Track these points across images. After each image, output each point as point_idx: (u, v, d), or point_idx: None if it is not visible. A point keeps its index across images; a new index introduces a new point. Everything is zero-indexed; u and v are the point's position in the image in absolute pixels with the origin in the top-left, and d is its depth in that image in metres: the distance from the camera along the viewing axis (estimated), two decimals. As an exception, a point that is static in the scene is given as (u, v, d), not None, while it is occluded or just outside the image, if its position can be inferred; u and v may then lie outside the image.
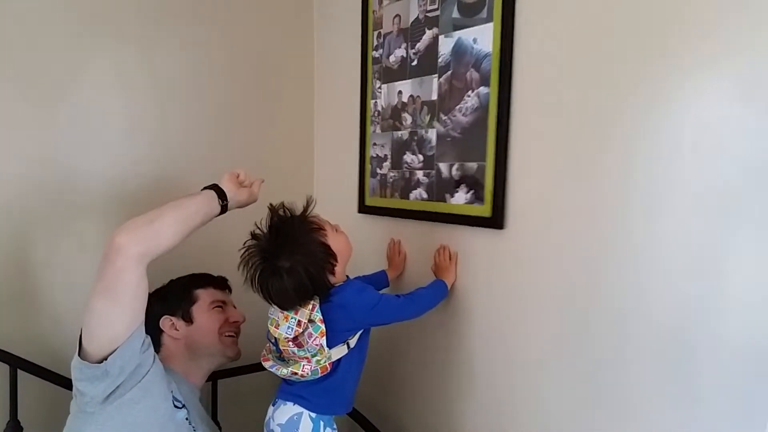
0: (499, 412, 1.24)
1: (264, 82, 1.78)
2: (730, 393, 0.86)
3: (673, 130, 0.91)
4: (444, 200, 1.33)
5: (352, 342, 1.18)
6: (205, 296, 1.37)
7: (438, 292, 1.28)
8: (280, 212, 1.12)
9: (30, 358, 1.39)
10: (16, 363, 1.36)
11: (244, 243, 1.13)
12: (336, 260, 1.14)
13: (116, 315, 1.03)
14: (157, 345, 1.27)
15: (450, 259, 1.32)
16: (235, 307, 1.43)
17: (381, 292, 1.40)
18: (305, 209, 1.15)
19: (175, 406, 1.16)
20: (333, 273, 1.14)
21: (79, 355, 1.05)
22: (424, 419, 1.47)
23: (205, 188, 1.22)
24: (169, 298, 1.33)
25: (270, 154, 1.80)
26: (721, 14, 0.84)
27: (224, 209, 1.21)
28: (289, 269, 1.08)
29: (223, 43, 1.69)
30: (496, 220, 1.19)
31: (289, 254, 1.08)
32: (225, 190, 1.21)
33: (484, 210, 1.22)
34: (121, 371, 1.04)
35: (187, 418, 1.18)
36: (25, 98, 1.42)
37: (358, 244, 1.57)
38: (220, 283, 1.42)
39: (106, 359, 1.02)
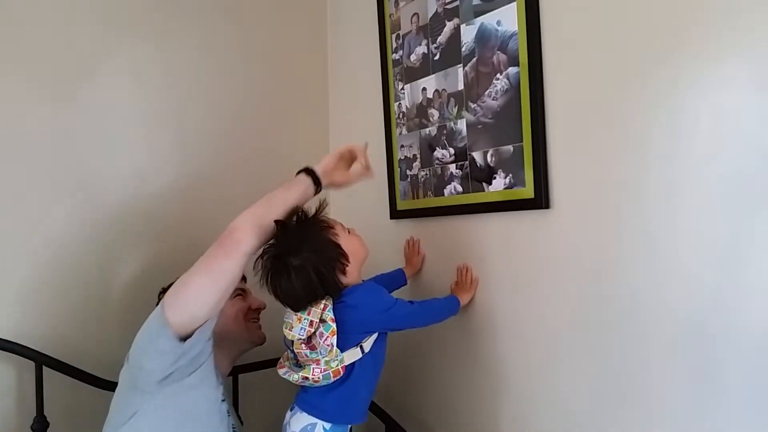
0: (523, 406, 1.22)
1: (279, 86, 1.80)
2: (752, 383, 0.85)
3: (690, 117, 0.90)
4: (481, 189, 1.29)
5: (367, 346, 1.16)
6: None
7: (451, 308, 1.27)
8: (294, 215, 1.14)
9: (54, 354, 1.39)
10: (42, 359, 1.37)
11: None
12: (347, 260, 1.13)
13: (210, 296, 1.05)
14: None
15: (471, 282, 1.31)
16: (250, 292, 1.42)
17: (398, 291, 1.42)
18: (317, 211, 1.15)
19: (221, 397, 1.17)
20: (344, 273, 1.13)
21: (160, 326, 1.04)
22: (446, 415, 1.44)
23: (302, 171, 1.21)
24: None
25: (286, 156, 1.77)
26: (739, 2, 0.84)
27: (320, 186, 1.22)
28: (298, 267, 1.07)
29: (237, 43, 1.71)
30: (540, 201, 1.15)
31: (298, 252, 1.08)
32: (320, 177, 1.20)
33: (526, 192, 1.18)
34: (187, 354, 1.05)
35: (227, 411, 1.20)
36: (43, 99, 1.42)
37: (394, 252, 1.56)
38: None
39: (183, 340, 1.03)
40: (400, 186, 1.57)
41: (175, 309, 1.03)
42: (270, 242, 1.12)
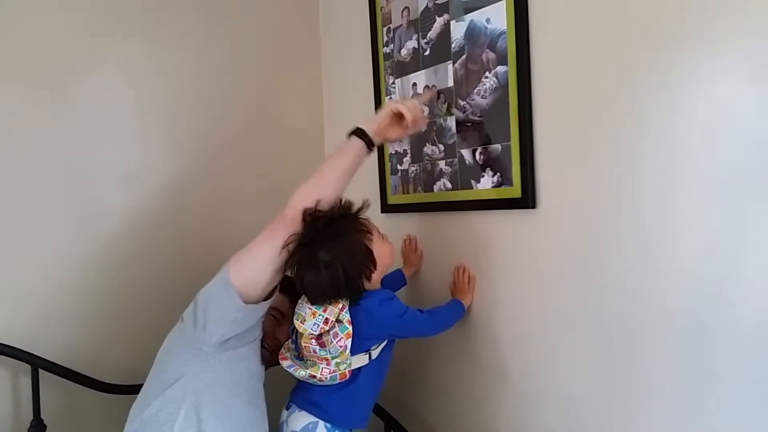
0: (522, 402, 1.23)
1: (272, 82, 1.79)
2: (747, 375, 0.85)
3: (684, 110, 0.89)
4: (470, 187, 1.30)
5: (375, 353, 1.17)
6: (276, 300, 1.23)
7: (457, 313, 1.27)
8: (336, 206, 1.13)
9: (50, 357, 1.39)
10: (38, 362, 1.37)
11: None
12: (375, 267, 1.13)
13: (269, 264, 1.08)
14: None
15: (468, 281, 1.30)
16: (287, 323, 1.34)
17: (398, 292, 1.38)
18: (359, 210, 1.15)
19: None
20: (369, 279, 1.13)
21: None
22: (445, 412, 1.45)
23: (354, 132, 1.17)
24: None
25: (280, 154, 1.80)
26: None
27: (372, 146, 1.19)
28: (327, 263, 1.06)
29: (229, 41, 1.70)
30: (527, 200, 1.15)
31: (331, 248, 1.07)
32: (371, 137, 1.17)
33: (513, 191, 1.18)
34: (245, 322, 1.10)
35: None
36: (37, 98, 1.41)
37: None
38: (298, 297, 1.25)
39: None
40: (390, 180, 1.57)
41: (238, 273, 1.07)
42: (304, 231, 1.11)
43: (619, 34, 0.99)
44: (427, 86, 1.40)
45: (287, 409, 1.22)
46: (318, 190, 1.11)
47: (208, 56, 1.67)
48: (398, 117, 1.18)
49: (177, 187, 1.61)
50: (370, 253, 1.12)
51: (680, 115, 0.90)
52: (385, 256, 1.17)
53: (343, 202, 1.15)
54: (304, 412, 1.18)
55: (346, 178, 1.15)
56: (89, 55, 1.48)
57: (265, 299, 1.12)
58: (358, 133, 1.17)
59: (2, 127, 1.38)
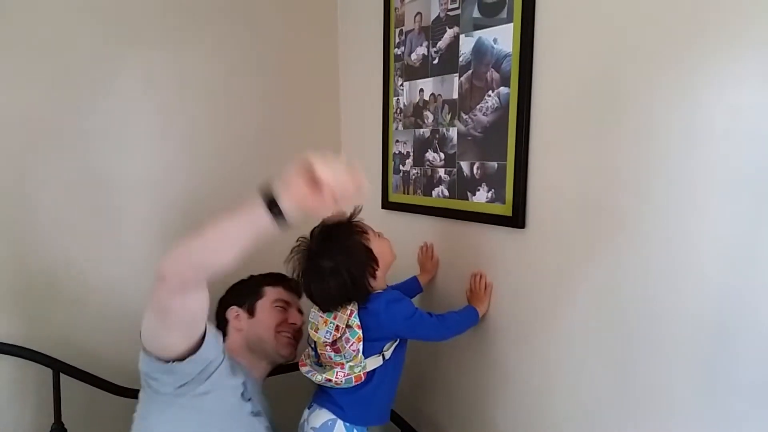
0: (533, 409, 1.25)
1: (291, 81, 1.79)
2: None
3: (704, 117, 0.89)
4: (466, 198, 1.35)
5: (388, 354, 1.22)
6: (271, 293, 1.41)
7: (469, 319, 1.28)
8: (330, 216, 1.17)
9: (71, 361, 1.44)
10: (59, 367, 1.41)
11: (295, 245, 1.19)
12: (377, 264, 1.18)
13: (164, 334, 1.05)
14: (223, 335, 1.30)
15: (485, 288, 1.31)
16: (301, 311, 1.46)
17: (415, 298, 1.45)
18: (351, 215, 1.20)
19: (244, 399, 1.22)
20: (374, 277, 1.18)
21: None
22: (458, 416, 1.48)
23: (264, 191, 0.92)
24: (241, 291, 1.41)
25: (298, 152, 1.82)
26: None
27: (284, 219, 0.90)
28: (332, 269, 1.13)
29: (248, 44, 1.70)
30: (516, 220, 1.21)
31: (332, 255, 1.14)
32: (278, 199, 0.89)
33: (505, 209, 1.24)
34: (190, 372, 1.09)
35: (252, 411, 1.25)
36: (57, 107, 1.44)
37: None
38: (291, 285, 1.44)
39: (169, 361, 1.06)
40: (393, 179, 1.63)
41: (149, 348, 1.07)
42: (303, 240, 1.18)
43: (621, 67, 1.00)
44: (432, 94, 1.44)
45: (309, 408, 1.28)
46: (193, 259, 0.93)
47: (229, 60, 1.66)
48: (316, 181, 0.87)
49: (199, 193, 1.62)
50: (370, 251, 1.18)
51: (698, 123, 0.89)
52: (385, 252, 1.23)
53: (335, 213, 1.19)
54: (324, 410, 1.24)
55: (236, 249, 0.90)
56: (109, 63, 1.49)
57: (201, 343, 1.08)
58: (268, 193, 0.90)
59: (24, 135, 1.41)
